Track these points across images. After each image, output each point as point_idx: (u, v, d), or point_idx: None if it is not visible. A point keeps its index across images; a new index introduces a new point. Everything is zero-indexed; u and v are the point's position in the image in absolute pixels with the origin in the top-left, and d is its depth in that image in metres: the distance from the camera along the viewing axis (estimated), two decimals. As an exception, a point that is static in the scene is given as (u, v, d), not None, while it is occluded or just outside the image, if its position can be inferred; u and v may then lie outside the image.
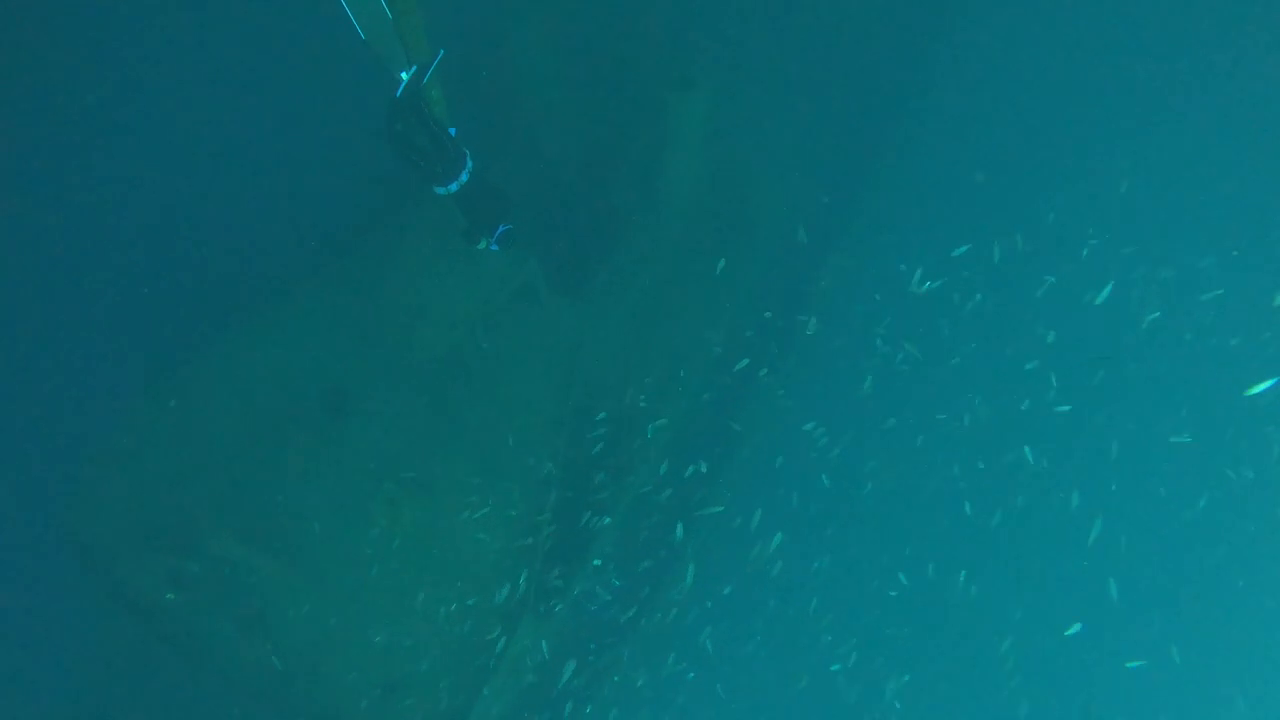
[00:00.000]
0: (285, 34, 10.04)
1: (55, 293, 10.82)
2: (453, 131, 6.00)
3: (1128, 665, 10.21)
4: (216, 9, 10.38)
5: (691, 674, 10.02)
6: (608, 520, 8.60)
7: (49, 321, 10.69)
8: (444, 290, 8.44)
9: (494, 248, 6.40)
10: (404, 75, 5.80)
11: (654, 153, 9.62)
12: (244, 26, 10.34)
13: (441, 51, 5.78)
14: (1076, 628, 9.14)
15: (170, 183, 10.65)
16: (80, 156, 10.73)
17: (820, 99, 11.02)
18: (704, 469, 9.00)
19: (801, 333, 9.61)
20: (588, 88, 9.73)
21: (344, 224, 8.90)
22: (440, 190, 6.01)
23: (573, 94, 9.77)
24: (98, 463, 8.13)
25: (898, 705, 11.51)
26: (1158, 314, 11.44)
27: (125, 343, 10.07)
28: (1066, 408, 10.54)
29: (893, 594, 11.23)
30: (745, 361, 9.11)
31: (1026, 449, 10.43)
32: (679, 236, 9.95)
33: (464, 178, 5.95)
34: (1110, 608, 10.69)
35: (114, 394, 8.86)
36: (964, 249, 9.12)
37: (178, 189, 10.67)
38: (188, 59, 10.55)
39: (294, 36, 9.91)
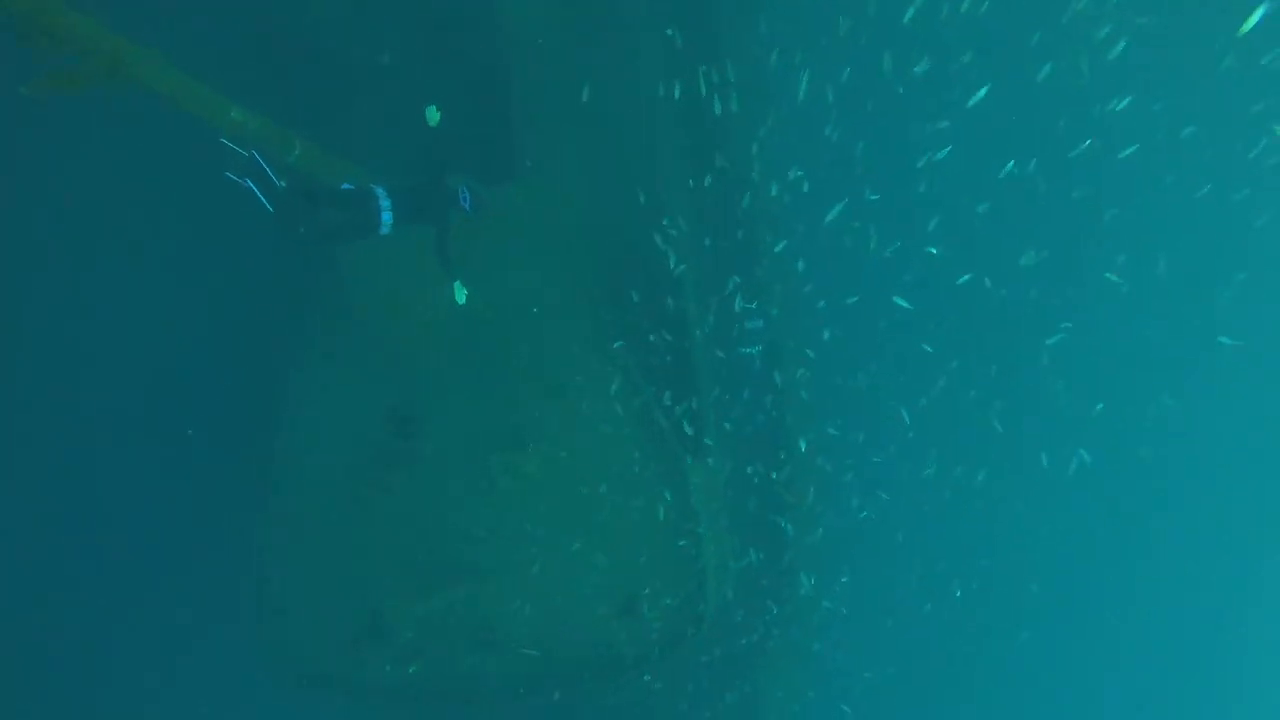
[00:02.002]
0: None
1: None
2: (347, 186, 6.00)
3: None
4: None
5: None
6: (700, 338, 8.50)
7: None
8: (414, 265, 7.71)
9: (467, 208, 6.44)
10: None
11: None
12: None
13: (253, 151, 5.69)
14: None
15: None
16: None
17: None
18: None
19: None
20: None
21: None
22: (384, 231, 5.96)
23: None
24: (277, 597, 8.16)
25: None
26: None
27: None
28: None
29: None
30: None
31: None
32: (553, 42, 8.72)
33: (386, 204, 5.89)
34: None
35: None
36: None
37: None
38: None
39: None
